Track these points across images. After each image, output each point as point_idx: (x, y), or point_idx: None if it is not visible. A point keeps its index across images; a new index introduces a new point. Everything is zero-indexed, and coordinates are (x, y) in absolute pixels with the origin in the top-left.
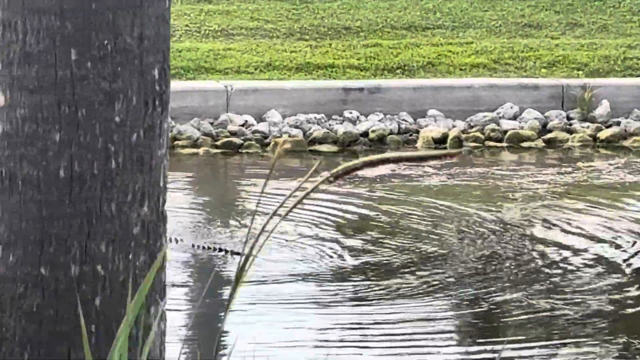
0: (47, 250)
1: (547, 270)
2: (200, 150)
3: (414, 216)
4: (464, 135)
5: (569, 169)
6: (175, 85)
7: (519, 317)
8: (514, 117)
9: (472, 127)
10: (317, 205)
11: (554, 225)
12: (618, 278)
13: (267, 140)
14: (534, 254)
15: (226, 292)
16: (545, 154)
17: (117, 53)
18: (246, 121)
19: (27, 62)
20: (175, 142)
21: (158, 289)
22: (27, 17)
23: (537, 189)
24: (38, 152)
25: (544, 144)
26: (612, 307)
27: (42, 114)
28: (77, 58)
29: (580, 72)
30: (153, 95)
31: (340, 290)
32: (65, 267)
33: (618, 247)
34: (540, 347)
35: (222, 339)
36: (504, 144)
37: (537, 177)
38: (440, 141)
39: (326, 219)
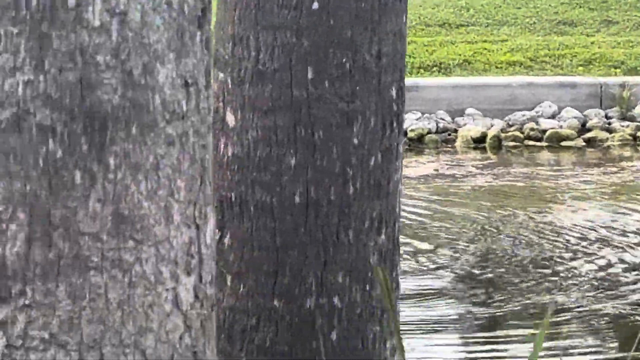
0: (281, 281)
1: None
2: None
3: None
4: (502, 135)
5: (614, 169)
6: None
7: None
8: (553, 116)
9: (510, 126)
10: None
11: (614, 227)
12: None
13: None
14: (611, 258)
15: None
16: (585, 154)
17: (355, 71)
18: None
19: (260, 80)
20: None
21: (394, 321)
22: (260, 33)
23: (585, 189)
24: (272, 176)
25: (583, 143)
26: None
27: (276, 136)
28: (314, 77)
29: (617, 70)
30: (390, 116)
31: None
32: (300, 298)
33: None
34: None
35: None
36: (544, 143)
37: (583, 177)
38: (480, 140)
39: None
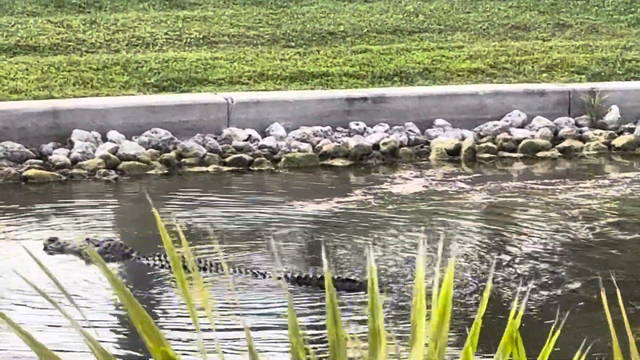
0: None
1: None
2: (210, 168)
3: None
4: (476, 146)
5: (606, 181)
6: (172, 98)
7: None
8: (522, 125)
9: (482, 137)
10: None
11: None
12: None
13: (277, 156)
14: None
15: None
16: (565, 165)
17: None
18: (250, 135)
19: None
20: (182, 160)
21: None
22: None
23: (589, 204)
24: None
25: (559, 154)
26: None
27: None
28: None
29: (582, 76)
30: None
31: None
32: None
33: None
34: None
35: None
36: (519, 154)
37: (580, 191)
38: (454, 152)
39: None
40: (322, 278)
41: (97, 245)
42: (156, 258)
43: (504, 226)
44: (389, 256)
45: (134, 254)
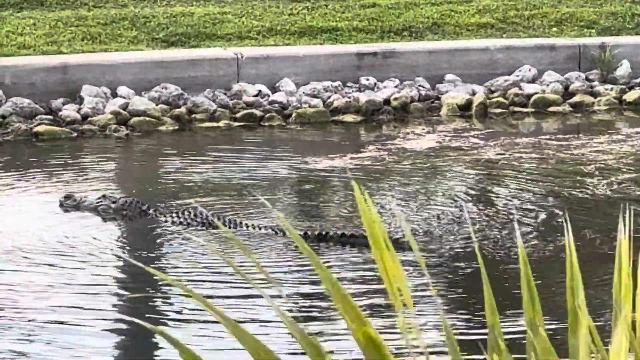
0: None
1: None
2: (220, 124)
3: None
4: (487, 101)
5: (619, 137)
6: (181, 53)
7: None
8: (533, 80)
9: (492, 92)
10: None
11: None
12: None
13: (287, 112)
14: None
15: None
16: (576, 119)
17: None
18: (260, 91)
19: None
20: (193, 116)
21: None
22: None
23: (605, 160)
24: None
25: (570, 109)
26: None
27: None
28: None
29: (591, 31)
30: None
31: None
32: None
33: None
34: None
35: None
36: (530, 109)
37: (594, 146)
38: (465, 108)
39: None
40: (342, 235)
41: (114, 202)
42: (173, 215)
43: (521, 183)
44: (413, 212)
45: (150, 211)
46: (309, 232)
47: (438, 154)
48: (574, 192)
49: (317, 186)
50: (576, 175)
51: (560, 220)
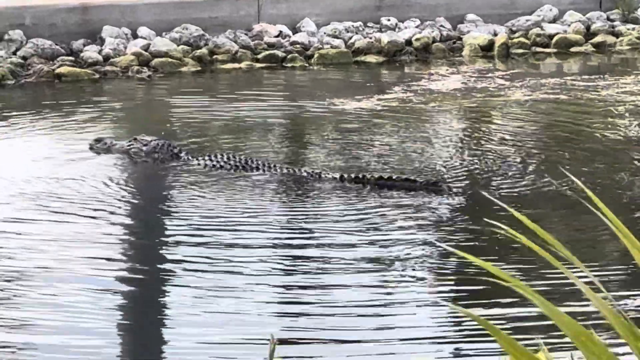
0: None
1: None
2: (242, 65)
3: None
4: (509, 42)
5: None
6: None
7: None
8: (554, 20)
9: (514, 32)
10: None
11: None
12: None
13: (309, 52)
14: None
15: None
16: (599, 59)
17: None
18: (281, 31)
19: None
20: (214, 57)
21: None
22: None
23: (634, 101)
24: None
25: (593, 49)
26: None
27: None
28: None
29: None
30: None
31: None
32: None
33: None
34: None
35: None
36: (552, 50)
37: (621, 87)
38: (487, 48)
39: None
40: (379, 178)
41: (145, 145)
42: (206, 158)
43: (552, 125)
44: (451, 156)
45: (182, 154)
46: (346, 176)
47: (465, 96)
48: (606, 134)
49: (348, 127)
50: (607, 117)
51: (595, 162)
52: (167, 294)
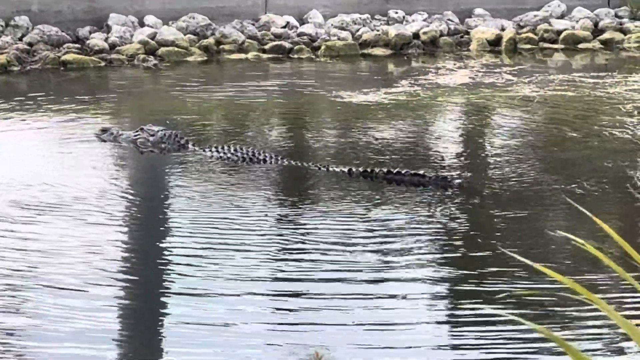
0: None
1: None
2: (249, 55)
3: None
4: (517, 37)
5: None
6: None
7: None
8: (562, 16)
9: (522, 27)
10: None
11: None
12: None
13: (316, 44)
14: None
15: None
16: (607, 56)
17: None
18: (288, 22)
19: None
20: (221, 47)
21: None
22: None
23: None
24: None
25: (600, 45)
26: None
27: None
28: None
29: None
30: None
31: None
32: None
33: None
34: None
35: None
36: (559, 46)
37: (630, 85)
38: (495, 43)
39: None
40: (388, 172)
41: (152, 135)
42: (213, 149)
43: (562, 122)
44: (459, 151)
45: (189, 145)
46: (354, 169)
47: (472, 91)
48: (614, 132)
49: (355, 120)
50: (615, 115)
51: (603, 161)
52: (167, 294)
